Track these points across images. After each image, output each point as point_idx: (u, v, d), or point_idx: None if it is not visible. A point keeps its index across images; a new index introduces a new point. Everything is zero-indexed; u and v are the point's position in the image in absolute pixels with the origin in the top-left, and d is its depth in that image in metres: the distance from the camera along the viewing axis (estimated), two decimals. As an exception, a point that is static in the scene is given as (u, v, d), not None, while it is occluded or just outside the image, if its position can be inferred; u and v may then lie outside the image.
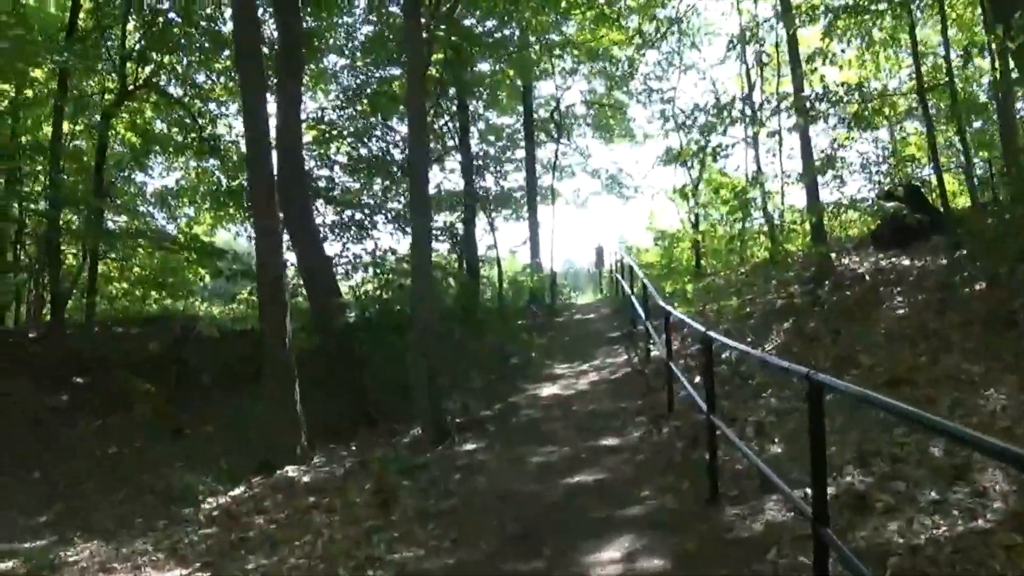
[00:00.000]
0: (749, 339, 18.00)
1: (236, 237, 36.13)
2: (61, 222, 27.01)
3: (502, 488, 12.37)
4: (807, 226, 24.31)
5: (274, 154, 18.46)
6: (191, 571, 10.76)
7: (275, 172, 17.94)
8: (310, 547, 10.94)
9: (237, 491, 14.86)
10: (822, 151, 22.95)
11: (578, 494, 11.58)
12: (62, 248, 28.40)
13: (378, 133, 29.26)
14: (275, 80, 21.48)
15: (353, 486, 13.82)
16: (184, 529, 12.94)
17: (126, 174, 32.34)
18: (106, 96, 28.65)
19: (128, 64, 27.40)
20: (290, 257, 21.63)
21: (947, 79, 20.56)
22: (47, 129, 27.83)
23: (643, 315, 20.34)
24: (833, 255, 22.08)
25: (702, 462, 11.21)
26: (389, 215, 27.96)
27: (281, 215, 17.98)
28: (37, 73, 26.72)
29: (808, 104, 20.91)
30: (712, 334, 10.83)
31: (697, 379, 15.56)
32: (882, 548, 7.76)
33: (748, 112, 28.78)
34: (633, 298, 24.06)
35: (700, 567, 8.37)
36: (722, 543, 8.87)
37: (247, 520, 12.88)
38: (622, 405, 16.85)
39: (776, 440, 12.09)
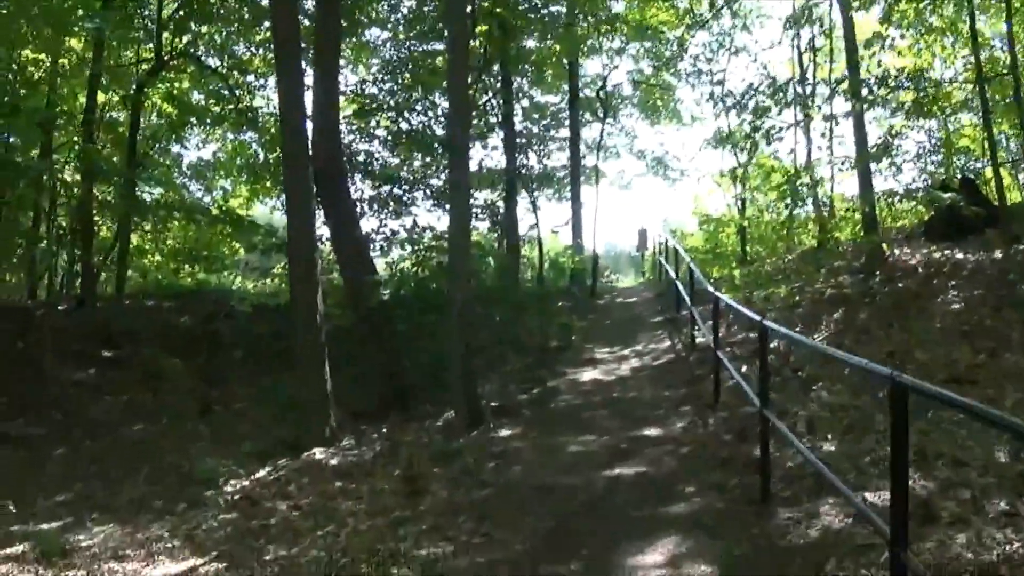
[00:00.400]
0: (798, 328, 17.26)
1: (273, 211, 35.61)
2: (94, 193, 26.60)
3: (538, 479, 11.73)
4: (857, 215, 23.58)
5: (310, 127, 18.03)
6: (205, 561, 10.12)
7: (310, 145, 17.45)
8: (333, 538, 10.31)
9: (262, 473, 14.20)
10: (878, 137, 22.30)
11: (618, 488, 10.93)
12: (95, 220, 28.02)
13: (419, 108, 28.61)
14: (312, 52, 20.95)
15: (382, 471, 13.20)
16: (203, 513, 12.31)
17: (162, 146, 31.88)
18: (142, 66, 28.18)
19: (164, 34, 26.93)
20: (325, 232, 21.12)
21: (1009, 70, 19.79)
22: (82, 99, 27.38)
23: (688, 300, 19.64)
24: (884, 246, 21.29)
25: (751, 458, 10.60)
26: (428, 191, 27.31)
27: (315, 189, 17.45)
28: (72, 43, 26.33)
29: (866, 89, 20.23)
30: (769, 324, 10.10)
31: (744, 368, 14.88)
32: (952, 566, 7.04)
33: (802, 94, 28.05)
34: (677, 283, 23.40)
35: (752, 578, 7.67)
36: (775, 551, 8.17)
37: (269, 505, 12.24)
38: (665, 393, 16.18)
39: (829, 437, 11.35)
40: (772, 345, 16.12)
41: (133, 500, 13.83)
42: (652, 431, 13.66)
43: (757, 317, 10.63)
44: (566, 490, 11.06)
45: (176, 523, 12.01)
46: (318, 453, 14.72)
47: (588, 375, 18.72)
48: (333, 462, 14.24)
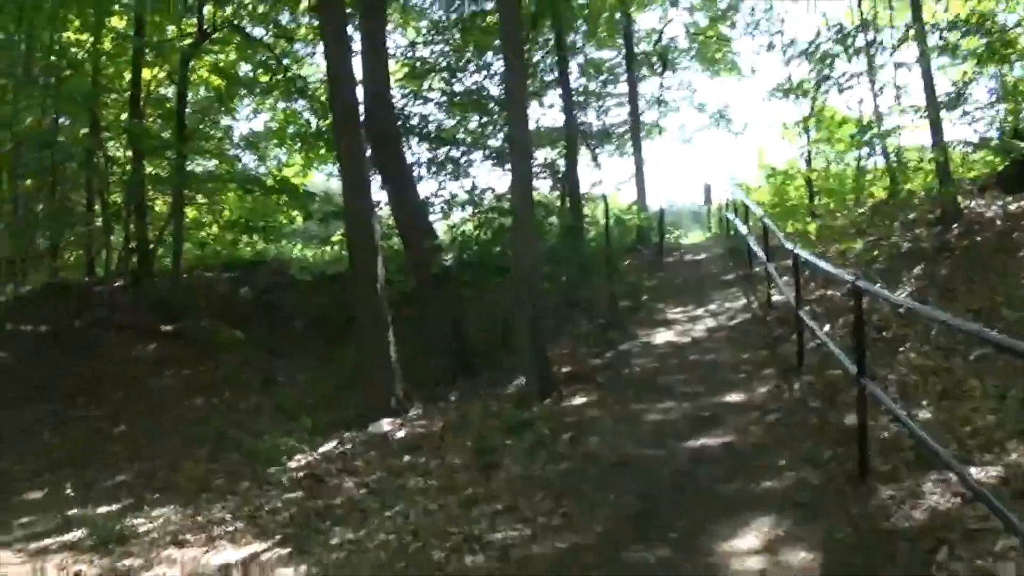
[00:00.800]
0: (878, 285, 16.47)
1: (330, 178, 35.12)
2: (145, 169, 26.31)
3: (617, 452, 11.02)
4: (928, 165, 22.72)
5: (361, 93, 17.59)
6: (268, 546, 9.62)
7: (361, 110, 17.06)
8: (402, 519, 9.75)
9: (327, 447, 13.78)
10: (953, 83, 21.43)
11: (703, 461, 10.24)
12: (148, 195, 27.74)
13: (472, 68, 27.94)
14: (359, 17, 20.40)
15: (451, 444, 12.66)
16: (267, 493, 11.87)
17: (212, 119, 31.45)
18: (185, 41, 27.75)
19: (206, 7, 26.46)
20: (383, 197, 20.58)
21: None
22: (128, 76, 27.02)
23: (763, 256, 18.84)
24: (959, 197, 20.42)
25: (843, 427, 9.94)
26: (487, 152, 26.66)
27: (369, 152, 16.99)
28: (114, 21, 25.97)
29: (935, 34, 19.44)
30: (863, 284, 9.35)
31: (827, 328, 14.13)
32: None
33: (870, 41, 27.11)
34: (749, 238, 22.55)
35: (857, 565, 7.00)
36: (880, 534, 7.44)
37: (335, 483, 11.78)
38: (744, 356, 15.34)
39: (924, 404, 10.57)
40: (852, 302, 15.43)
41: (194, 479, 13.44)
42: (734, 397, 12.91)
43: (849, 277, 9.90)
44: (647, 463, 10.40)
45: (239, 504, 11.58)
46: (384, 425, 14.25)
47: (662, 337, 17.91)
48: (400, 435, 13.79)
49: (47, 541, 10.89)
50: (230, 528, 10.46)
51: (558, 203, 27.77)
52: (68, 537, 10.87)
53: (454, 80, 27.87)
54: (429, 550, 8.57)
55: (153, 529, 10.84)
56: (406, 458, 12.30)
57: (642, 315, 20.23)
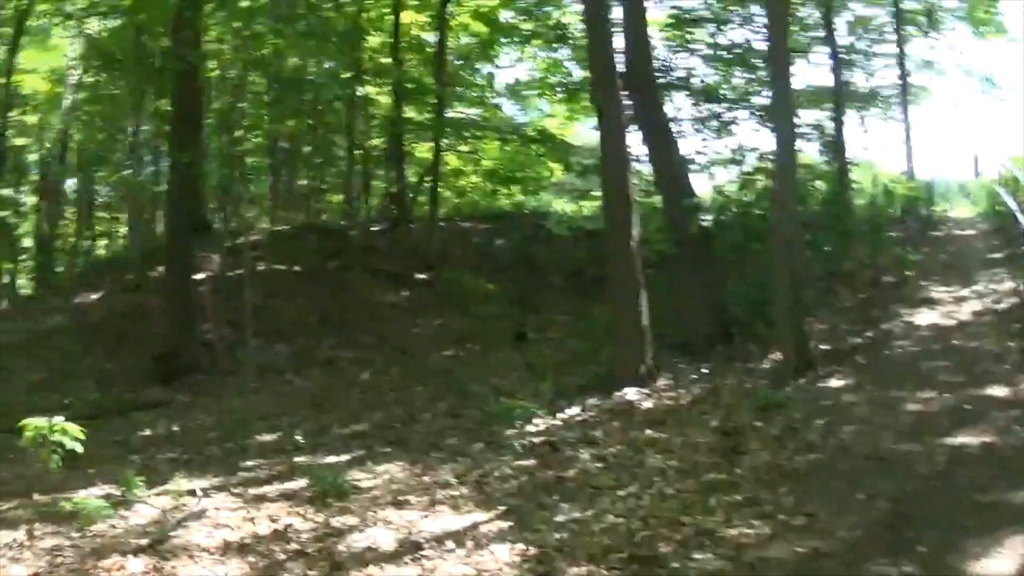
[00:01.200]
0: None
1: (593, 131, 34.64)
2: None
3: (872, 445, 10.13)
4: None
5: (620, 42, 16.96)
6: (490, 517, 9.05)
7: (621, 60, 16.43)
8: (634, 501, 9.06)
9: (569, 412, 13.21)
10: None
11: (961, 462, 9.31)
12: (409, 141, 27.77)
13: (737, 20, 26.89)
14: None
15: (697, 420, 11.92)
16: (499, 458, 11.34)
17: (473, 66, 31.26)
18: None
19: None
20: (643, 152, 19.89)
21: None
22: (389, 20, 27.02)
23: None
24: None
25: None
26: (752, 110, 25.69)
27: (629, 104, 16.42)
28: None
29: None
30: None
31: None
32: None
33: None
34: (1021, 216, 21.04)
35: None
36: None
37: (570, 453, 11.15)
38: (1010, 344, 14.15)
39: None
40: None
41: (429, 434, 13.13)
42: (998, 391, 11.85)
43: None
44: (903, 461, 9.49)
45: (468, 467, 11.09)
46: (630, 393, 13.56)
47: (925, 317, 16.76)
48: (646, 405, 13.11)
49: (267, 488, 10.68)
50: (454, 493, 9.99)
51: (824, 167, 26.58)
52: (289, 486, 10.65)
53: (718, 32, 26.91)
54: (656, 541, 7.89)
55: (376, 487, 10.47)
56: (648, 432, 11.62)
57: (906, 292, 19.03)
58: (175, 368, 18.94)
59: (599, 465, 10.53)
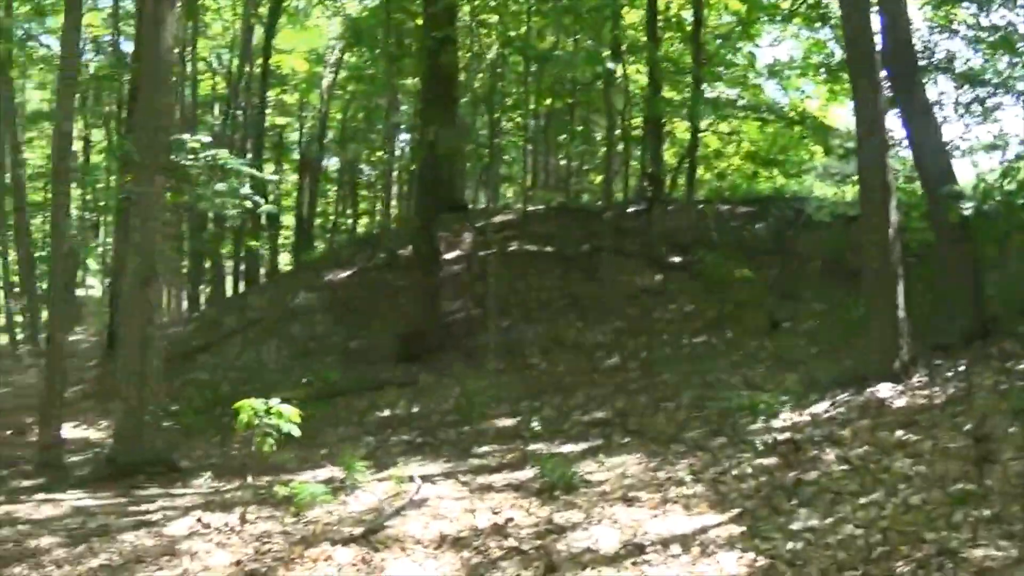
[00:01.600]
0: None
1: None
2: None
3: None
4: None
5: (877, 22, 16.10)
6: (722, 520, 8.64)
7: (878, 40, 15.64)
8: (877, 511, 8.42)
9: (818, 407, 12.63)
10: None
11: None
12: (668, 121, 27.62)
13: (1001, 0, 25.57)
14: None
15: (949, 423, 11.06)
16: (739, 455, 10.92)
17: (732, 45, 30.60)
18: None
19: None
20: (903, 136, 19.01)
21: None
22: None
23: None
24: None
25: None
26: (1017, 95, 24.37)
27: (888, 85, 15.78)
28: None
29: None
30: None
31: None
32: None
33: None
34: None
35: None
36: None
37: (813, 453, 10.56)
38: None
39: None
40: None
41: (670, 425, 12.76)
42: None
43: None
44: None
45: (705, 463, 10.75)
46: (883, 390, 12.79)
47: None
48: (899, 403, 12.29)
49: (495, 477, 10.57)
50: (688, 491, 9.62)
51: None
52: (518, 475, 10.54)
53: (981, 13, 25.65)
54: (894, 559, 7.29)
55: (607, 480, 10.21)
56: (898, 433, 10.87)
57: None
58: (420, 348, 19.10)
59: (843, 467, 9.94)
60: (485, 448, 12.17)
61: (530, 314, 19.84)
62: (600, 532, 8.40)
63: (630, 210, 26.27)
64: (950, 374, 13.61)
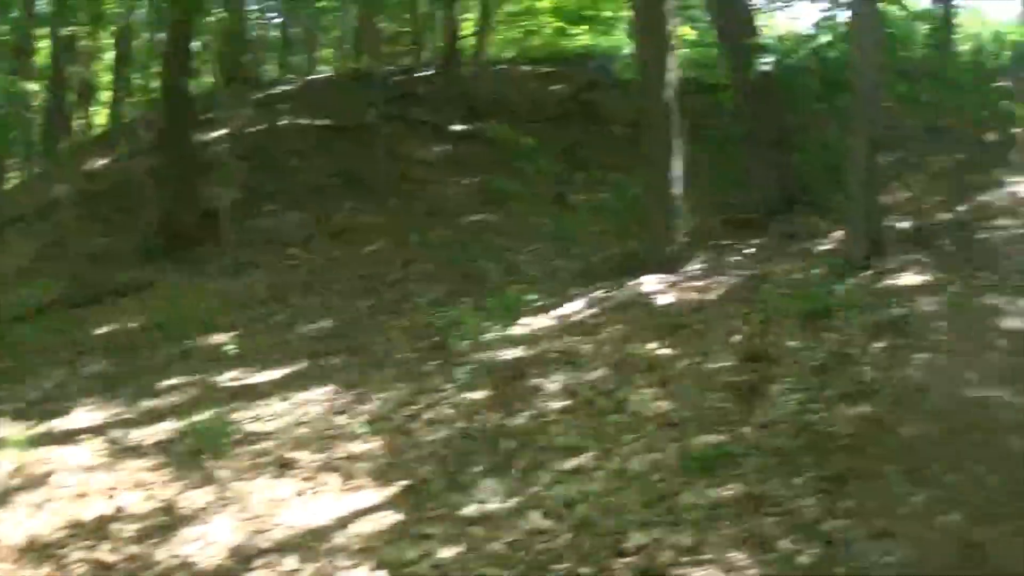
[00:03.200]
0: None
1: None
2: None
3: (947, 389, 6.86)
4: None
5: None
6: (378, 503, 6.52)
7: None
8: (581, 484, 6.27)
9: (569, 307, 10.68)
10: None
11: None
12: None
13: None
14: None
15: (721, 326, 9.11)
16: (444, 386, 8.73)
17: None
18: None
19: None
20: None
21: None
22: None
23: None
24: None
25: None
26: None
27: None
28: None
29: None
30: None
31: None
32: None
33: None
34: None
35: None
36: None
37: (537, 381, 8.40)
38: None
39: None
40: None
41: (396, 338, 10.83)
42: None
43: None
44: (990, 419, 6.27)
45: (400, 400, 8.57)
46: (647, 283, 10.90)
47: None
48: (664, 300, 10.35)
49: (150, 431, 8.52)
50: (357, 449, 7.43)
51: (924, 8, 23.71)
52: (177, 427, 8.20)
53: None
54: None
55: (274, 433, 8.03)
56: (651, 346, 8.84)
57: (1013, 154, 15.89)
58: (172, 243, 16.92)
59: (564, 404, 7.84)
60: (172, 381, 9.88)
61: (299, 198, 17.73)
62: (217, 528, 6.19)
63: (419, 74, 24.13)
64: (738, 258, 11.87)
